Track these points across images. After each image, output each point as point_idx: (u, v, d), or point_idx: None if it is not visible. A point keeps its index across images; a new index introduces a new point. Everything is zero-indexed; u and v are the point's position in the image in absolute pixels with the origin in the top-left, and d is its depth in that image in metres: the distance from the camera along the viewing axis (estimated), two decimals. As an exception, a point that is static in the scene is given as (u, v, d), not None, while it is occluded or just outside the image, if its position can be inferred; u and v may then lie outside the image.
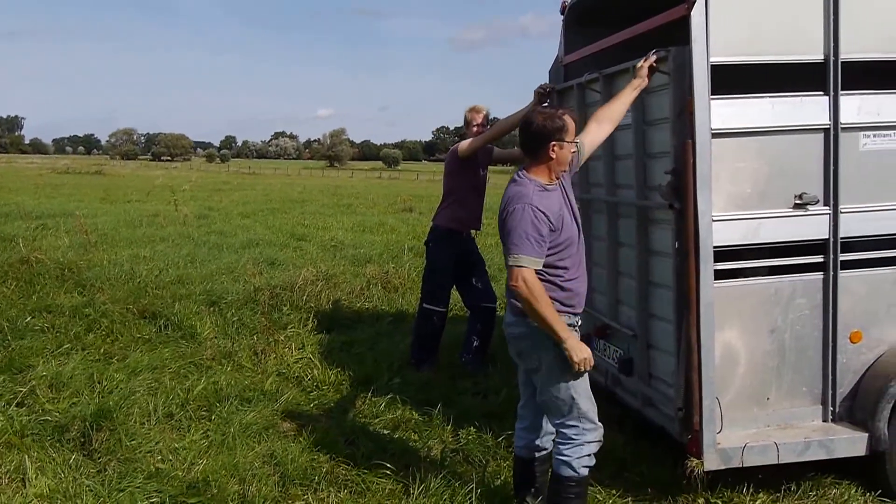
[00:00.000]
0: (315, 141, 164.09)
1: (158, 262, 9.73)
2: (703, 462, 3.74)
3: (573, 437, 3.42)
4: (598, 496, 3.95)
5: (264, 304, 7.52)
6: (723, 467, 3.79)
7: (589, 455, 3.43)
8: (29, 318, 6.84)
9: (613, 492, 3.99)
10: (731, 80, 3.89)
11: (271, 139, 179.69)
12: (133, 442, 4.45)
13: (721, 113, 3.72)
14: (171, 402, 5.06)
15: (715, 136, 3.68)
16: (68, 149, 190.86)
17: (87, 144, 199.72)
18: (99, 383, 5.41)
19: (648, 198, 4.15)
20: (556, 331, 3.27)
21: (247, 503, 3.84)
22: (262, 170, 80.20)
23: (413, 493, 3.90)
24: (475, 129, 5.99)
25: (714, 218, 3.70)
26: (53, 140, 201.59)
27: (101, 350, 6.25)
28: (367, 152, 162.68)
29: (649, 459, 4.29)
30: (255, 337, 6.69)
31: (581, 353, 3.31)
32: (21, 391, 5.15)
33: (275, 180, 48.51)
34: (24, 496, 3.80)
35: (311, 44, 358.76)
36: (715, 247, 3.71)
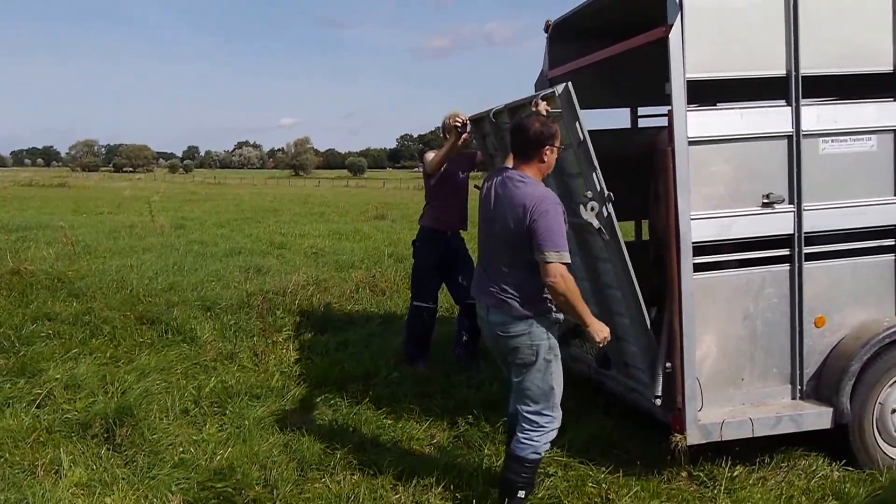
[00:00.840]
0: (279, 150, 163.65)
1: (147, 271, 9.93)
2: (686, 437, 4.14)
3: (544, 424, 3.72)
4: (589, 472, 4.32)
5: (258, 309, 7.80)
6: (704, 441, 4.19)
7: (550, 440, 3.79)
8: (33, 326, 7.05)
9: (603, 468, 4.35)
10: (705, 93, 4.32)
11: (234, 149, 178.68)
12: (154, 436, 4.74)
13: (696, 122, 4.13)
14: (185, 399, 5.35)
15: (691, 143, 4.10)
16: (27, 161, 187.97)
17: (47, 156, 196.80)
18: (111, 384, 5.68)
19: (577, 214, 4.25)
20: (586, 317, 3.57)
21: (270, 486, 4.15)
22: (227, 179, 79.87)
23: (422, 475, 4.24)
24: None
25: (691, 216, 4.12)
26: (12, 152, 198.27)
27: (108, 354, 6.49)
28: (332, 161, 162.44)
29: (635, 439, 4.68)
30: (254, 339, 6.99)
31: (604, 331, 3.63)
32: (39, 393, 5.42)
33: (242, 190, 48.45)
34: (61, 486, 4.07)
35: (273, 53, 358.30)
36: (693, 242, 4.13)
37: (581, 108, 5.76)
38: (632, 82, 5.92)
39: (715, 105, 5.81)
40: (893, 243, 4.52)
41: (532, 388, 3.71)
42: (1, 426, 4.82)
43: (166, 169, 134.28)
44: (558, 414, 3.78)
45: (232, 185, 63.13)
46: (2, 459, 4.36)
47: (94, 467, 4.32)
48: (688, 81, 4.07)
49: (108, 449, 4.60)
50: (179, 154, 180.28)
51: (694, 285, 4.12)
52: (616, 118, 6.56)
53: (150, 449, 4.58)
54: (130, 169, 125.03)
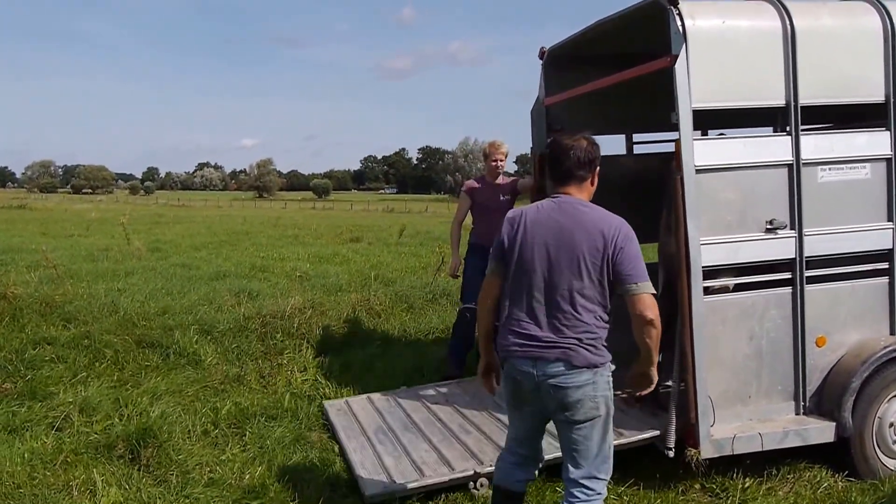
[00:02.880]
0: (241, 171, 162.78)
1: (137, 295, 9.97)
2: (699, 451, 4.41)
3: (600, 491, 3.41)
4: (608, 486, 4.54)
5: (257, 332, 7.93)
6: (716, 455, 4.46)
7: None
8: (35, 351, 7.10)
9: (621, 484, 4.58)
10: (709, 122, 4.60)
11: (196, 170, 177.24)
12: (180, 456, 4.88)
13: (702, 152, 4.42)
14: (204, 421, 5.48)
15: (698, 171, 4.39)
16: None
17: (1, 178, 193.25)
18: (125, 407, 5.80)
19: None
20: (655, 358, 3.32)
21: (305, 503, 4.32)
22: (192, 201, 79.29)
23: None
24: (493, 164, 6.62)
25: (701, 242, 4.40)
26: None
27: (115, 378, 6.59)
28: (296, 182, 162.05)
29: (651, 456, 4.90)
30: (259, 361, 7.12)
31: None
32: (56, 416, 5.51)
33: (209, 212, 48.22)
34: (98, 506, 4.20)
35: (233, 73, 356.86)
36: (703, 266, 4.40)
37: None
38: (626, 109, 6.22)
39: (706, 133, 6.20)
40: (888, 266, 4.84)
41: (591, 448, 3.34)
42: (26, 448, 4.92)
43: (126, 190, 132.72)
44: (608, 479, 3.48)
45: (197, 207, 62.71)
46: (37, 480, 4.47)
47: (127, 487, 4.45)
48: (693, 110, 4.35)
49: (136, 469, 4.73)
50: (139, 175, 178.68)
51: (704, 307, 4.40)
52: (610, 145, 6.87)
53: (178, 469, 4.72)
54: (89, 190, 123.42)
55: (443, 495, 4.40)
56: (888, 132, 4.75)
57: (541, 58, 6.06)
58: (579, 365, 3.22)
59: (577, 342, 3.23)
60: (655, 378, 3.41)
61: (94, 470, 4.57)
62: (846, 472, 4.67)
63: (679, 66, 4.26)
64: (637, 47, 5.48)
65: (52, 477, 4.52)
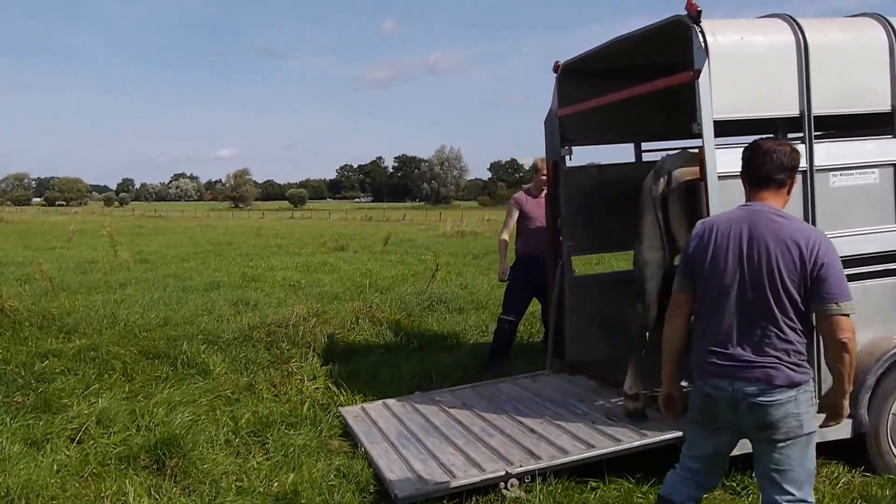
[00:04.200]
0: (217, 181, 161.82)
1: (135, 306, 9.92)
2: (723, 450, 4.47)
3: None
4: (630, 486, 4.61)
5: (263, 341, 7.93)
6: (738, 453, 4.52)
7: None
8: (43, 364, 7.04)
9: (644, 484, 4.64)
10: (730, 132, 4.71)
11: (171, 181, 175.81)
12: (205, 466, 4.87)
13: (723, 159, 4.52)
14: (224, 430, 5.48)
15: (720, 178, 4.48)
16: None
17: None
18: (142, 418, 5.77)
19: None
20: (848, 387, 3.15)
21: (336, 510, 4.33)
22: (168, 212, 78.67)
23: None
24: (542, 178, 6.89)
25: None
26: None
27: (126, 389, 6.55)
28: (271, 192, 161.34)
29: (671, 456, 4.95)
30: (268, 371, 7.11)
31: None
32: (74, 428, 5.48)
33: (187, 223, 47.87)
34: (132, 516, 4.19)
35: (210, 83, 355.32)
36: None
37: (591, 144, 6.22)
38: (636, 119, 6.33)
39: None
40: None
41: (794, 468, 3.14)
42: (51, 461, 4.88)
43: (101, 202, 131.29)
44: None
45: (174, 217, 62.23)
46: (69, 493, 4.45)
47: (158, 497, 4.45)
48: (714, 121, 4.46)
49: (163, 479, 4.71)
50: (113, 187, 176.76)
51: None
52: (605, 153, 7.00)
53: (205, 478, 4.71)
54: (64, 202, 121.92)
55: (473, 497, 4.43)
56: (895, 139, 4.88)
57: (555, 71, 6.16)
58: (781, 384, 3.07)
59: (777, 360, 3.08)
60: (847, 410, 3.23)
61: (127, 481, 4.55)
62: (862, 467, 4.77)
63: (702, 80, 4.37)
64: (650, 61, 5.60)
65: (84, 489, 4.51)
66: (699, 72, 4.42)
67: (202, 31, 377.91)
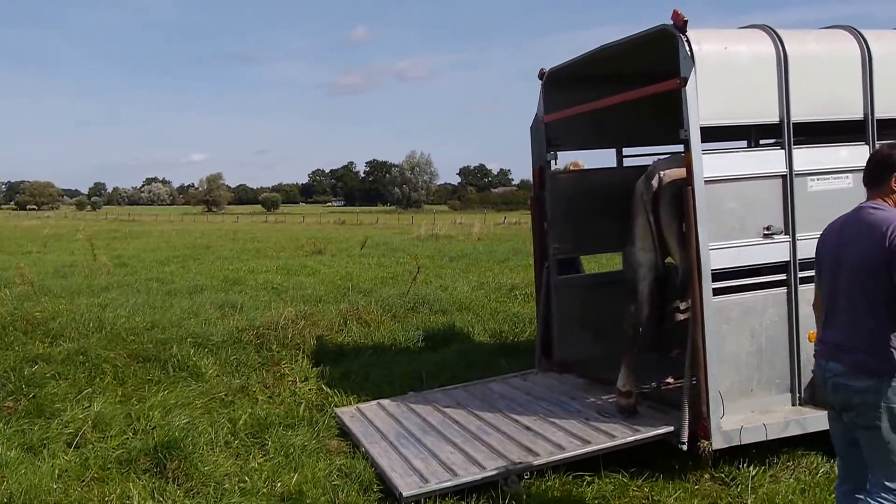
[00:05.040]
0: (190, 186, 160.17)
1: (120, 310, 9.82)
2: (711, 443, 4.59)
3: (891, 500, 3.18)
4: (624, 480, 4.68)
5: (253, 343, 7.91)
6: (726, 446, 4.65)
7: None
8: (33, 368, 6.96)
9: (639, 477, 4.72)
10: (713, 138, 4.83)
11: (143, 185, 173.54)
12: (207, 468, 4.85)
13: (709, 164, 4.62)
14: (223, 432, 5.47)
15: (706, 182, 4.59)
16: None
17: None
18: (137, 421, 5.75)
19: None
20: None
21: (341, 508, 4.36)
22: (142, 216, 77.60)
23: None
24: None
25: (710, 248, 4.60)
26: None
27: (119, 393, 6.51)
28: (244, 196, 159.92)
29: (660, 450, 5.04)
30: (261, 373, 7.10)
31: None
32: (71, 433, 5.44)
33: (162, 227, 47.34)
34: (138, 518, 4.18)
35: (183, 88, 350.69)
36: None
37: (576, 149, 6.31)
38: (619, 125, 6.43)
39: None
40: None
41: (875, 455, 3.18)
42: (51, 466, 4.84)
43: (73, 206, 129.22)
44: None
45: (148, 221, 61.42)
46: (73, 498, 4.43)
47: (162, 500, 4.44)
48: (700, 127, 4.56)
49: (166, 482, 4.70)
50: (85, 191, 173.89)
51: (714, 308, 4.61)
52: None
53: (207, 480, 4.70)
54: (35, 207, 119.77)
55: (474, 494, 4.48)
56: (866, 146, 5.02)
57: (540, 78, 6.23)
58: (861, 372, 3.12)
59: (860, 349, 3.14)
60: None
61: (130, 484, 4.53)
62: (841, 458, 4.90)
63: (689, 88, 4.46)
64: (634, 68, 5.70)
65: (87, 493, 4.48)
66: (686, 80, 4.51)
67: (175, 36, 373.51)
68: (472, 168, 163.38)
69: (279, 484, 4.64)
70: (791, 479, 4.69)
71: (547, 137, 6.25)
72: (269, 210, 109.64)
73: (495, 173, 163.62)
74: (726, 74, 4.66)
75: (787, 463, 4.89)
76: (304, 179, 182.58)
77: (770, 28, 4.85)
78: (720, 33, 4.80)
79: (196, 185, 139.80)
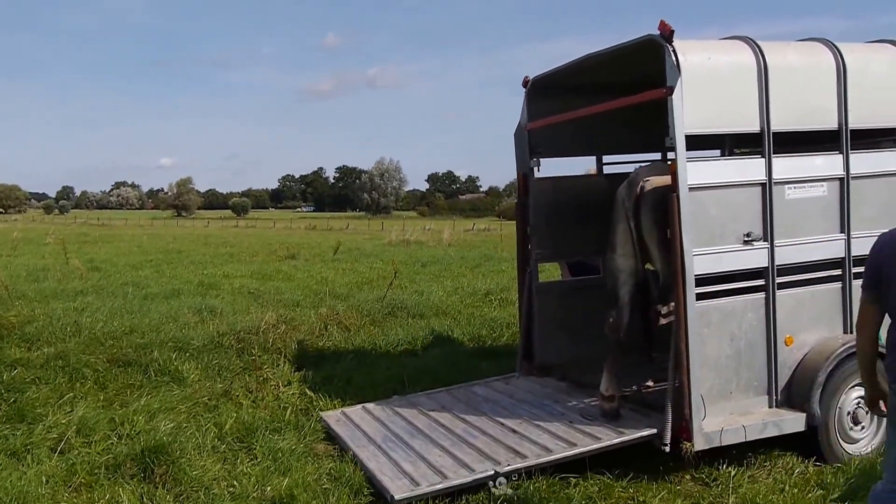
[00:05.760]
0: (159, 190, 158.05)
1: (97, 314, 9.65)
2: (693, 444, 4.64)
3: None
4: (609, 482, 4.71)
5: (234, 348, 7.82)
6: (707, 447, 4.70)
7: None
8: (12, 373, 6.80)
9: (623, 479, 4.75)
10: (697, 146, 4.89)
11: (112, 189, 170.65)
12: (195, 472, 4.78)
13: (692, 172, 4.67)
14: (210, 437, 5.40)
15: (691, 189, 4.64)
16: None
17: None
18: (122, 426, 5.64)
19: None
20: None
21: (333, 512, 4.32)
22: (111, 220, 76.43)
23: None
24: None
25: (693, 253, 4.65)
26: None
27: (101, 397, 6.39)
28: (214, 201, 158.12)
29: (642, 451, 5.07)
30: (244, 377, 7.02)
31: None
32: (55, 438, 5.33)
33: (133, 231, 46.66)
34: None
35: (153, 93, 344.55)
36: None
37: (559, 156, 6.35)
38: (602, 133, 6.49)
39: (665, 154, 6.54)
40: (841, 273, 5.20)
41: None
42: (34, 471, 4.74)
43: (41, 210, 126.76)
44: None
45: (118, 225, 60.52)
46: None
47: (153, 505, 4.35)
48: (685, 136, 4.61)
49: (155, 487, 4.62)
50: (53, 194, 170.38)
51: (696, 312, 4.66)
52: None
53: (196, 485, 4.63)
54: (1, 210, 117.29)
55: (463, 496, 4.47)
56: (840, 155, 5.12)
57: (524, 86, 6.25)
58: None
59: None
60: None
61: (120, 489, 4.45)
62: (814, 457, 4.98)
63: (675, 97, 4.50)
64: (616, 78, 5.76)
65: (76, 499, 4.39)
66: (672, 89, 4.55)
67: (146, 40, 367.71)
68: (440, 175, 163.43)
69: (269, 488, 4.58)
70: (769, 479, 4.75)
71: (530, 144, 6.27)
72: (238, 215, 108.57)
73: (463, 180, 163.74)
74: (710, 84, 4.71)
75: (764, 463, 4.95)
76: (273, 185, 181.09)
77: (751, 40, 4.92)
78: (704, 44, 4.86)
79: (165, 190, 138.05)
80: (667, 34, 4.58)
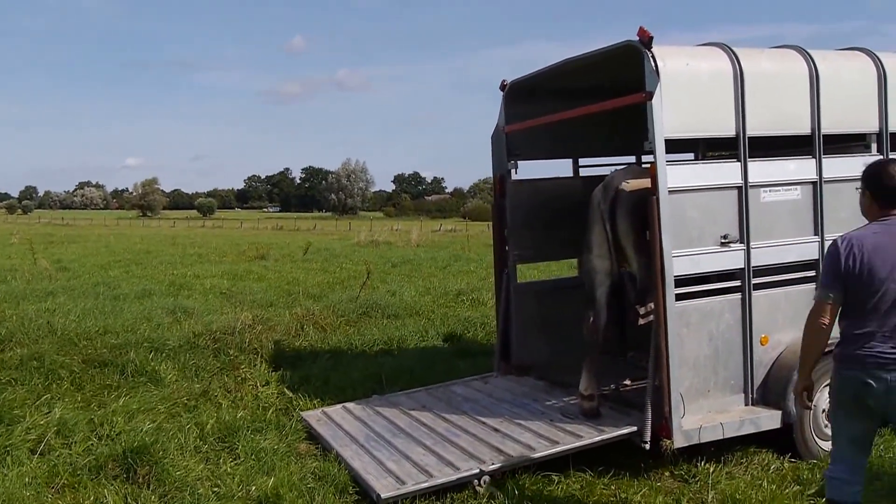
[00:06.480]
0: (124, 190, 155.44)
1: (70, 315, 9.44)
2: (673, 442, 4.66)
3: None
4: (591, 479, 4.71)
5: (210, 348, 7.70)
6: (686, 444, 4.73)
7: None
8: (-14, 375, 6.62)
9: (605, 476, 4.75)
10: (671, 150, 4.92)
11: (76, 189, 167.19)
12: (178, 473, 4.68)
13: (671, 175, 4.70)
14: (191, 437, 5.29)
15: (670, 192, 4.66)
16: None
17: None
18: (101, 427, 5.52)
19: None
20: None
21: (319, 511, 4.26)
22: (76, 220, 74.90)
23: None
24: None
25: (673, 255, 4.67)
26: None
27: (78, 398, 6.25)
28: (180, 201, 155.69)
29: (620, 449, 5.09)
30: (222, 377, 6.91)
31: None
32: (34, 440, 5.18)
33: (99, 231, 45.76)
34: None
35: (119, 94, 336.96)
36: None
37: (536, 159, 6.35)
38: (579, 136, 6.51)
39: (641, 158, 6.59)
40: (814, 274, 5.27)
41: None
42: (15, 473, 4.60)
43: (3, 209, 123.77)
44: None
45: (83, 225, 59.36)
46: (44, 505, 4.20)
47: (138, 506, 4.25)
48: (665, 140, 4.64)
49: (139, 488, 4.52)
50: (15, 194, 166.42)
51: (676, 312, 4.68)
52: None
53: (181, 485, 4.54)
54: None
55: (448, 495, 4.44)
56: (813, 160, 5.19)
57: (502, 89, 6.25)
58: None
59: None
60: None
61: (105, 491, 4.34)
62: (789, 454, 5.04)
63: (654, 102, 4.53)
64: (592, 82, 5.78)
65: (59, 500, 4.27)
66: (651, 94, 4.57)
67: (111, 41, 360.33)
68: (406, 175, 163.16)
69: (254, 488, 4.50)
70: (746, 476, 4.80)
71: (507, 147, 6.27)
72: (205, 215, 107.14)
73: (429, 181, 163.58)
74: (688, 89, 4.75)
75: (741, 460, 5.00)
76: (239, 185, 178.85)
77: (728, 46, 4.97)
78: (682, 50, 4.89)
79: (130, 190, 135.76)
80: (646, 40, 4.61)
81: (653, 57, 4.59)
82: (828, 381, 4.96)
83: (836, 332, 3.54)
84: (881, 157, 5.27)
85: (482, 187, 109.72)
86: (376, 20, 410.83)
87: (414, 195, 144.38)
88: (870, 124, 5.35)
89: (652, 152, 4.62)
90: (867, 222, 3.52)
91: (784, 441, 5.07)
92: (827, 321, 3.48)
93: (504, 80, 6.28)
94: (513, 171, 6.37)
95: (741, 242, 4.98)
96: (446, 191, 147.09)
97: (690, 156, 6.75)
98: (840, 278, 3.41)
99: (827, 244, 5.09)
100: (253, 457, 5.00)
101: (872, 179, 3.49)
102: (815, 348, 3.57)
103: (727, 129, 4.94)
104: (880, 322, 3.35)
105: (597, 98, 5.56)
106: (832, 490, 3.57)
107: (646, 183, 4.89)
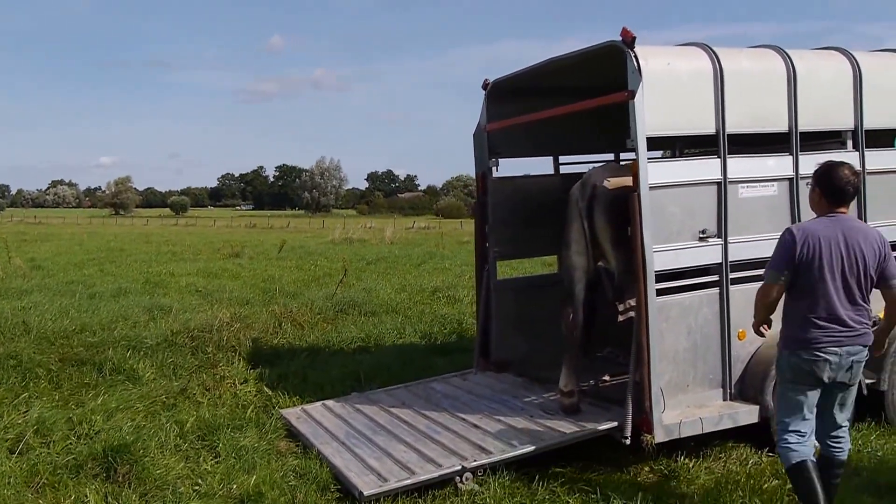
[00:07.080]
0: (97, 189, 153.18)
1: (46, 314, 9.22)
2: (653, 436, 4.64)
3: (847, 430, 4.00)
4: (572, 475, 4.68)
5: (188, 346, 7.56)
6: (667, 439, 4.71)
7: None
8: (-40, 373, 6.43)
9: (587, 471, 4.73)
10: (657, 147, 4.90)
11: (49, 187, 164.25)
12: (159, 471, 4.58)
13: (652, 171, 4.68)
14: (174, 436, 5.18)
15: (651, 188, 4.64)
16: None
17: None
18: (80, 425, 5.39)
19: None
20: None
21: (302, 508, 4.17)
22: (49, 218, 73.50)
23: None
24: None
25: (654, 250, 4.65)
26: None
27: (56, 397, 6.12)
28: (153, 199, 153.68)
29: (604, 445, 5.06)
30: (200, 375, 6.79)
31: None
32: (11, 438, 5.05)
33: (72, 229, 44.95)
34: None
35: (93, 92, 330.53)
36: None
37: (517, 157, 6.31)
38: (558, 135, 6.47)
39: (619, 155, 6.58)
40: (789, 269, 5.28)
41: (851, 401, 3.97)
42: (-3, 472, 4.47)
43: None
44: None
45: (56, 224, 58.28)
46: (26, 504, 4.07)
47: (118, 505, 4.14)
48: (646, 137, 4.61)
49: (119, 487, 4.40)
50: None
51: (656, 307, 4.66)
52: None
53: (161, 484, 4.44)
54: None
55: (430, 492, 4.38)
56: (790, 157, 5.21)
57: (484, 88, 6.20)
58: (867, 344, 3.83)
59: (867, 328, 3.82)
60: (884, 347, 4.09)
61: (86, 490, 4.23)
62: (767, 448, 5.03)
63: (637, 100, 4.50)
64: (574, 82, 5.75)
65: (40, 499, 4.15)
66: (633, 93, 4.55)
67: (86, 40, 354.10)
68: (379, 173, 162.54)
69: (235, 486, 4.41)
70: (725, 470, 4.79)
71: (489, 145, 6.22)
72: (178, 213, 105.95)
73: (402, 179, 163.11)
74: (670, 88, 4.73)
75: (718, 455, 4.99)
76: (213, 183, 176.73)
77: (708, 46, 4.96)
78: (663, 49, 4.89)
79: (103, 188, 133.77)
80: (628, 40, 4.59)
81: (635, 57, 4.57)
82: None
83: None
84: (857, 153, 5.32)
85: (455, 185, 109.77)
86: (355, 20, 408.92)
87: (387, 193, 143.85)
88: (846, 122, 5.39)
89: (633, 150, 4.60)
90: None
91: (762, 435, 5.06)
92: (775, 299, 3.97)
93: (486, 80, 6.23)
94: (494, 168, 6.33)
95: (719, 237, 4.97)
96: (419, 188, 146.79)
97: (659, 153, 6.77)
98: (792, 263, 3.81)
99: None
100: (233, 455, 4.90)
101: (823, 179, 3.86)
102: (765, 312, 4.07)
103: (707, 127, 4.93)
104: (826, 305, 3.77)
105: (578, 97, 5.53)
106: (794, 455, 3.87)
107: (624, 180, 4.89)
